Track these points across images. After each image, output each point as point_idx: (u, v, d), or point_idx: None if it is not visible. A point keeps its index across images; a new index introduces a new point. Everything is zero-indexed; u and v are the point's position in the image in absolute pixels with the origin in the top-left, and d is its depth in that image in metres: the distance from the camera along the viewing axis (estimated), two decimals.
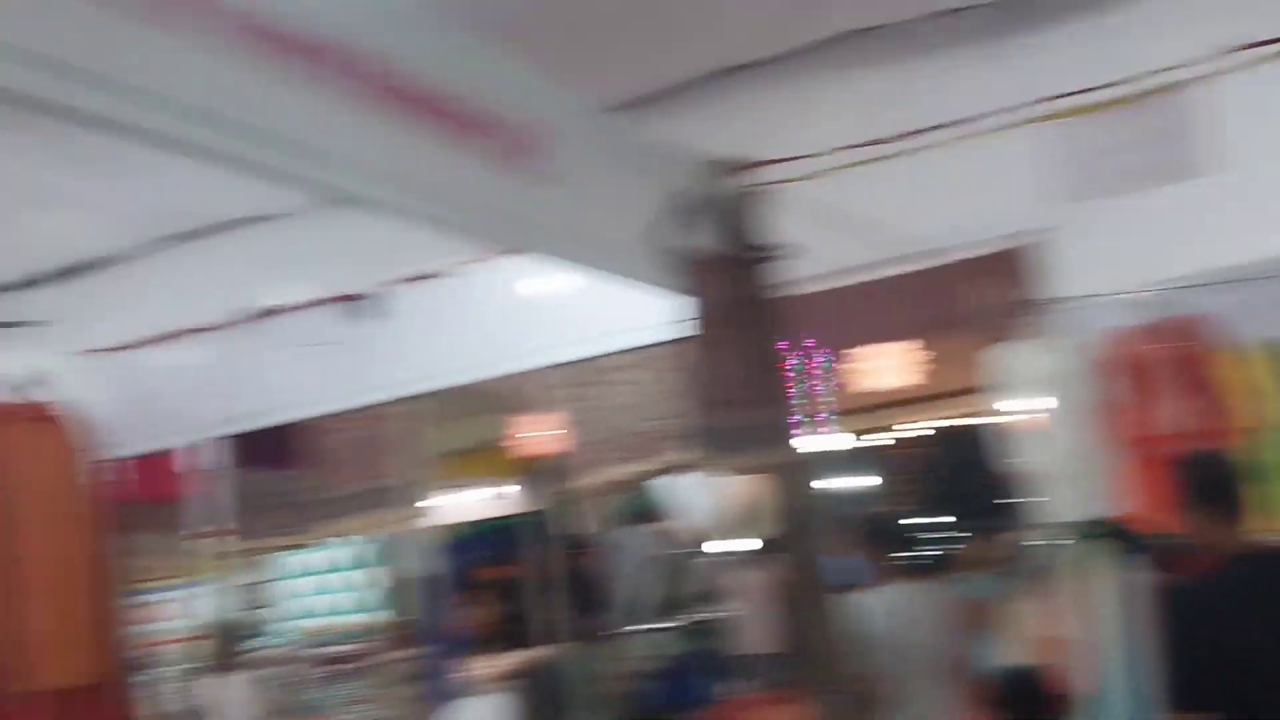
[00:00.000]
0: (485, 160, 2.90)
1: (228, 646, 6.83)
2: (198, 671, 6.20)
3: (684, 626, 5.91)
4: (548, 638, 5.55)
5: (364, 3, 2.66)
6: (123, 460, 5.20)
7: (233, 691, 6.25)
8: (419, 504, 6.22)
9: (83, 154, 3.69)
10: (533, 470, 6.31)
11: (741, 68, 4.17)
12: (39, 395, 4.85)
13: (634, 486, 6.43)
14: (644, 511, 6.35)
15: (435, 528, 6.40)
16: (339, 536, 5.17)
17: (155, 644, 6.09)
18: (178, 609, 7.15)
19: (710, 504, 5.65)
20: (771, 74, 4.13)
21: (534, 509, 6.27)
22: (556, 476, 6.21)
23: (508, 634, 5.75)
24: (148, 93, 2.15)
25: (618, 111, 3.97)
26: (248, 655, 7.65)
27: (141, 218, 4.74)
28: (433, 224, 3.04)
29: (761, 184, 3.52)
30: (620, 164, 3.38)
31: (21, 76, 1.94)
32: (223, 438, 5.17)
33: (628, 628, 5.90)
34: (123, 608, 4.95)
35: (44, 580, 4.69)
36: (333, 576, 8.43)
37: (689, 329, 3.33)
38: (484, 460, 6.72)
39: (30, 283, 4.89)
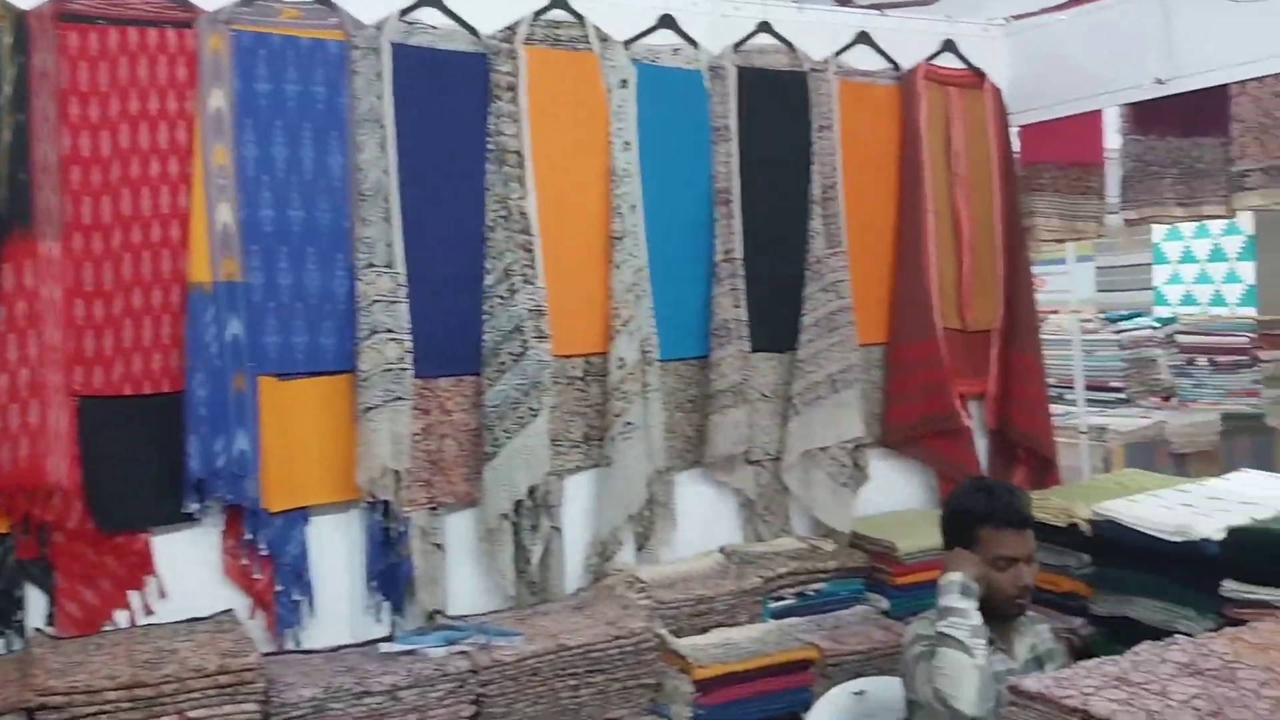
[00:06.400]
0: None
1: None
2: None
3: None
4: None
5: None
6: (1032, 126, 5.37)
7: None
8: None
9: None
10: None
11: None
12: (957, 63, 5.17)
13: None
14: None
15: None
16: (1236, 212, 4.85)
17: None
18: (1057, 282, 7.45)
19: None
20: None
21: None
22: None
23: None
24: None
25: None
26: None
27: None
28: None
29: None
30: None
31: None
32: (1132, 103, 5.03)
33: None
34: (1026, 266, 5.25)
35: (970, 233, 5.14)
36: (1217, 265, 8.15)
37: None
38: None
39: None
